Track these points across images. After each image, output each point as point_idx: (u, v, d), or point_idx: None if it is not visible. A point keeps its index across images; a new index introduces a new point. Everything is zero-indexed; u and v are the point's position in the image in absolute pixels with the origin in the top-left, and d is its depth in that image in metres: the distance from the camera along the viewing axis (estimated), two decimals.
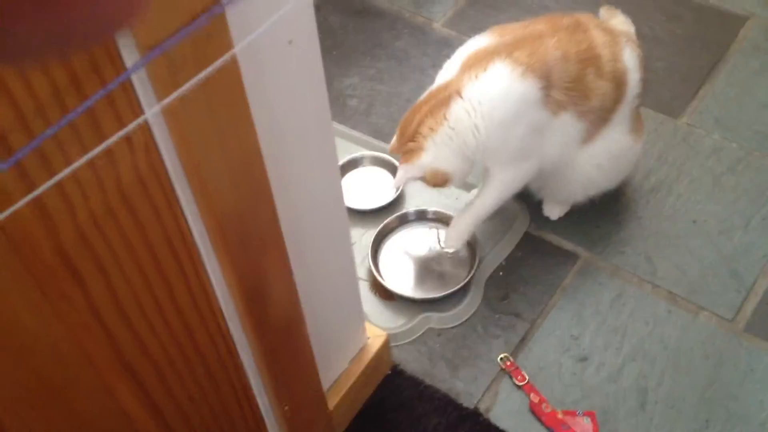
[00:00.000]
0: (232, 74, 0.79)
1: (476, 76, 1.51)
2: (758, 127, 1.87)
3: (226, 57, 0.73)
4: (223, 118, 0.82)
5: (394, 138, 1.61)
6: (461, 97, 1.51)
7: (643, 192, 1.80)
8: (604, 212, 1.77)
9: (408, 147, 1.55)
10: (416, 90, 1.63)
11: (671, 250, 1.70)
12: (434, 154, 1.54)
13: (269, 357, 1.13)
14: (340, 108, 2.02)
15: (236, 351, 1.08)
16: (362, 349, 1.50)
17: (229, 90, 0.81)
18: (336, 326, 1.40)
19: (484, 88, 1.50)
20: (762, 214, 1.73)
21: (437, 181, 1.57)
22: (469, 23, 2.15)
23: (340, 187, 1.26)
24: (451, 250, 1.71)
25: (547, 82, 1.50)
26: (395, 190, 1.69)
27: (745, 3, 2.12)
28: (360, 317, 1.47)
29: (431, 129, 1.53)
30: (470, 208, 1.66)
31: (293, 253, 1.08)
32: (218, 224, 0.89)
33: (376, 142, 1.91)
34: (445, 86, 1.55)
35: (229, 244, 0.92)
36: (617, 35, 1.59)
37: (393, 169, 1.85)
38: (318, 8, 2.30)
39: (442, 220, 1.76)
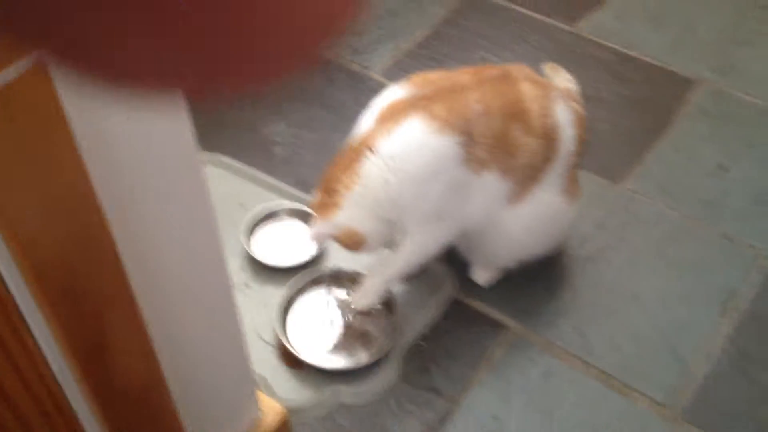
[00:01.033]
0: (39, 86, 0.64)
1: (389, 131, 1.39)
2: (702, 195, 1.77)
3: (23, 62, 0.58)
4: (29, 145, 0.67)
5: (316, 192, 1.47)
6: (372, 152, 1.39)
7: (579, 260, 1.67)
8: (538, 280, 1.64)
9: (323, 202, 1.42)
10: (348, 140, 1.51)
11: (607, 324, 1.57)
12: (349, 213, 1.41)
13: (125, 428, 0.97)
14: (265, 155, 1.88)
15: (77, 421, 0.91)
16: (254, 425, 1.33)
17: (35, 106, 0.65)
18: (218, 396, 1.24)
19: (397, 143, 1.38)
20: (704, 288, 1.61)
21: (351, 243, 1.44)
22: (408, 73, 2.03)
23: (217, 233, 1.12)
24: (358, 308, 1.57)
25: (468, 139, 1.38)
26: (315, 246, 1.54)
27: (694, 66, 2.04)
28: (249, 386, 1.31)
29: (345, 187, 1.41)
30: (383, 266, 1.53)
31: (158, 310, 0.93)
32: (36, 275, 0.74)
33: (299, 193, 1.77)
34: (360, 140, 1.43)
35: (52, 297, 0.77)
36: (549, 88, 1.48)
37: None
38: None
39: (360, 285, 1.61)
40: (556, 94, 1.48)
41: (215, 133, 1.86)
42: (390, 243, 1.58)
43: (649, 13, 2.18)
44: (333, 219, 1.42)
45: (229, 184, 1.80)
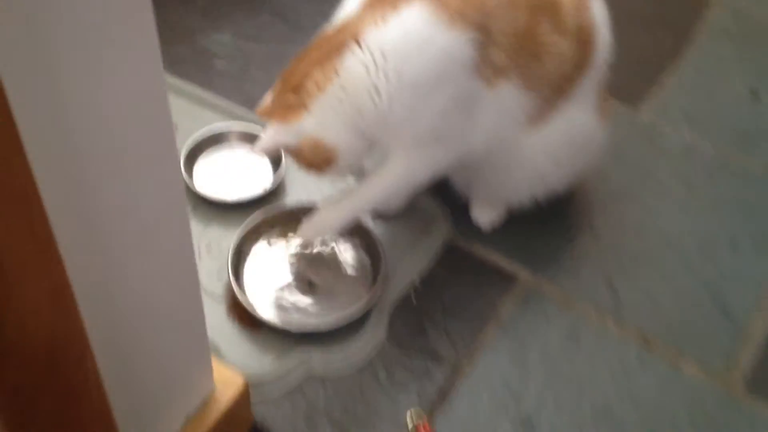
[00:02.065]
0: None
1: (383, 19, 1.05)
2: (736, 124, 1.49)
3: None
4: None
5: (269, 93, 1.12)
6: (359, 45, 1.05)
7: (600, 198, 1.37)
8: (551, 221, 1.33)
9: (286, 100, 1.07)
10: (322, 30, 1.16)
11: (639, 274, 1.27)
12: (319, 119, 1.07)
13: (15, 404, 0.62)
14: (204, 69, 1.50)
15: None
16: (206, 402, 0.98)
17: None
18: (162, 364, 0.89)
19: (393, 37, 1.04)
20: (750, 231, 1.33)
21: (316, 159, 1.10)
22: None
23: (176, 155, 0.77)
24: (302, 241, 1.24)
25: (484, 36, 1.05)
26: (259, 153, 1.19)
27: None
28: (203, 352, 0.96)
29: (317, 85, 1.07)
30: (348, 194, 1.19)
31: (81, 240, 0.59)
32: None
33: (248, 114, 1.41)
34: (341, 29, 1.08)
35: None
36: None
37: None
38: None
39: None
40: None
41: None
42: (358, 169, 1.24)
43: None
44: (297, 124, 1.08)
45: None
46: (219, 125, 1.37)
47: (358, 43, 1.05)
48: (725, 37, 1.64)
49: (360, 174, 1.28)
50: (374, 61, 1.05)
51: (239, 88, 1.47)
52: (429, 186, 1.30)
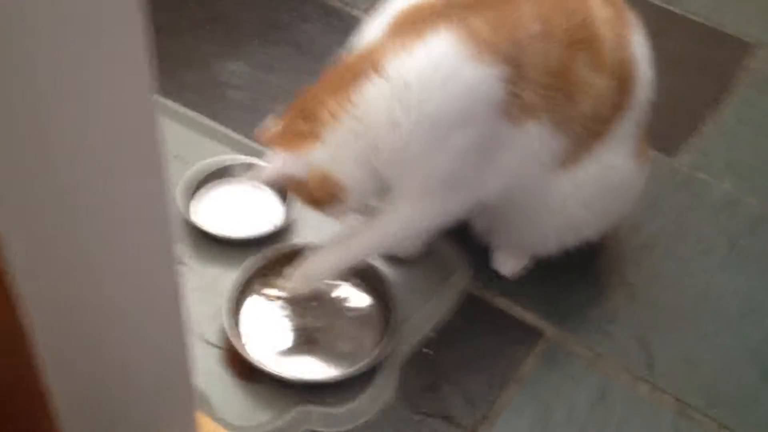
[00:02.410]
0: None
1: (407, 47, 0.96)
2: None
3: None
4: None
5: (273, 117, 1.04)
6: (380, 74, 0.96)
7: (633, 250, 1.26)
8: (579, 273, 1.22)
9: (297, 128, 0.98)
10: (341, 55, 1.08)
11: (675, 334, 1.16)
12: (332, 151, 0.99)
13: None
14: (215, 98, 1.43)
15: None
16: None
17: None
18: (134, 418, 0.78)
19: (416, 67, 0.96)
20: None
21: (322, 194, 1.01)
22: None
23: (164, 186, 0.67)
24: (289, 293, 1.13)
25: (515, 72, 0.96)
26: (260, 183, 1.11)
27: (751, 28, 1.66)
28: (188, 404, 0.85)
29: (332, 115, 0.98)
30: (345, 239, 1.10)
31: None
32: None
33: (259, 147, 1.32)
34: (361, 56, 1.00)
35: None
36: (623, 10, 1.07)
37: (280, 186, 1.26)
38: None
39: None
40: (633, 20, 1.07)
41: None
42: (363, 207, 1.14)
43: None
44: (307, 154, 0.99)
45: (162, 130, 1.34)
46: (225, 157, 1.29)
47: (378, 71, 0.97)
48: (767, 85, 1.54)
49: (365, 213, 1.19)
50: (394, 93, 0.96)
51: (250, 121, 1.38)
52: (447, 229, 1.20)
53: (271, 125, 1.04)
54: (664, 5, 1.68)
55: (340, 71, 1.01)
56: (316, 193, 1.01)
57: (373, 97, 0.97)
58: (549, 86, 0.99)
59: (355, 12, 1.62)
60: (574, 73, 1.00)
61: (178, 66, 1.47)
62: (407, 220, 1.06)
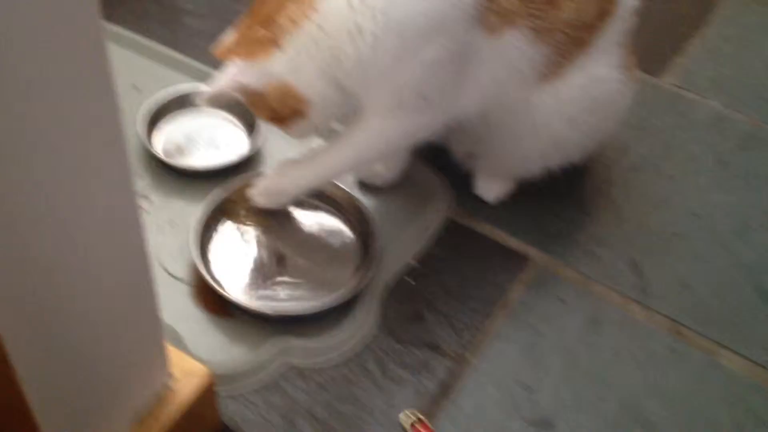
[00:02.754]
0: None
1: None
2: None
3: None
4: None
5: (232, 31, 0.96)
6: None
7: (620, 172, 1.21)
8: (565, 196, 1.16)
9: (254, 35, 0.91)
10: None
11: (667, 255, 1.11)
12: (293, 60, 0.92)
13: None
14: (172, 26, 1.34)
15: None
16: (161, 398, 0.81)
17: None
18: (102, 349, 0.72)
19: None
20: None
21: (283, 109, 0.94)
22: None
23: (119, 118, 0.61)
24: (254, 203, 1.06)
25: None
26: (209, 98, 0.97)
27: None
28: (155, 334, 0.79)
29: (292, 21, 0.90)
30: (312, 157, 1.03)
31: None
32: None
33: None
34: None
35: None
36: None
37: (244, 114, 1.18)
38: None
39: (324, 196, 1.10)
40: None
41: None
42: (327, 128, 1.07)
43: None
44: (265, 62, 0.91)
45: (118, 60, 1.25)
46: (186, 86, 1.20)
47: None
48: (751, 3, 1.49)
49: (329, 137, 1.12)
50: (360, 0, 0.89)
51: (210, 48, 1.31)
52: (426, 155, 1.14)
53: (229, 37, 0.96)
54: None
55: None
56: (277, 108, 0.94)
57: (336, 2, 0.89)
58: None
59: None
60: None
61: None
62: (378, 135, 0.99)
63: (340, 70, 0.92)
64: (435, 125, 1.00)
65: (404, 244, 1.08)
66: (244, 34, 0.93)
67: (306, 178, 1.03)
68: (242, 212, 1.08)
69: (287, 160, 1.04)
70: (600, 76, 1.03)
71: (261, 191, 1.04)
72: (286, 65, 0.91)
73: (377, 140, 1.00)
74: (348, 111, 1.00)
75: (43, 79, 0.54)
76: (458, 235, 1.11)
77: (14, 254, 0.57)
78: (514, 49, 0.95)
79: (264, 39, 0.91)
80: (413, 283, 1.05)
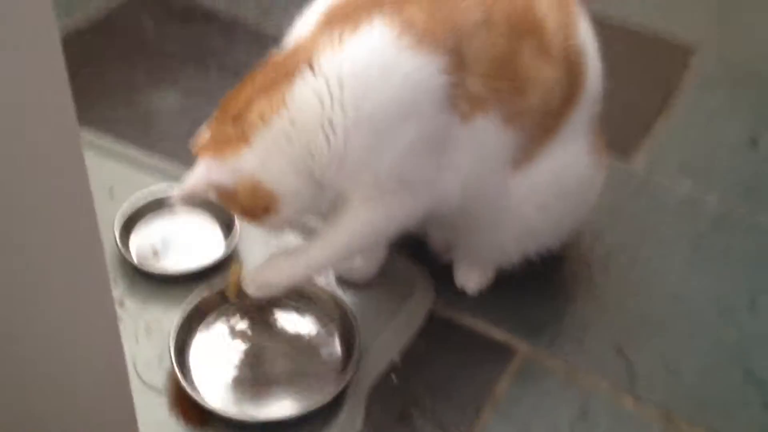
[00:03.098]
0: None
1: (340, 40, 0.90)
2: (737, 174, 1.35)
3: None
4: None
5: (206, 127, 0.96)
6: (312, 70, 0.89)
7: (598, 257, 1.21)
8: (546, 284, 1.16)
9: (223, 132, 0.91)
10: (271, 55, 1.01)
11: (651, 340, 1.10)
12: (262, 156, 0.91)
13: None
14: (145, 130, 1.34)
15: None
16: None
17: None
18: None
19: (351, 62, 0.89)
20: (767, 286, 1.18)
21: (253, 206, 0.93)
22: None
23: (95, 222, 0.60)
24: (251, 295, 1.03)
25: (457, 61, 0.90)
26: (181, 198, 0.97)
27: (692, 30, 1.65)
28: None
29: (261, 117, 0.90)
30: (301, 249, 1.02)
31: None
32: None
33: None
34: (292, 52, 0.93)
35: None
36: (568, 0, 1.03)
37: (220, 215, 1.17)
38: (125, 6, 1.67)
39: (304, 295, 1.08)
40: (577, 7, 1.03)
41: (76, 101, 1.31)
42: (301, 225, 1.07)
43: None
44: (234, 160, 0.91)
45: (90, 165, 1.24)
46: (160, 188, 1.19)
47: (311, 68, 0.90)
48: (715, 85, 1.53)
49: (304, 232, 1.11)
50: (329, 90, 0.89)
51: (185, 150, 1.30)
52: (404, 245, 1.13)
53: (203, 134, 0.96)
54: (600, 13, 1.67)
55: (269, 69, 0.93)
56: (247, 205, 0.93)
57: (306, 97, 0.89)
58: (494, 76, 0.93)
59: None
60: (520, 62, 0.95)
61: (105, 99, 1.38)
62: (364, 222, 0.98)
63: (313, 164, 0.92)
64: (420, 211, 0.99)
65: (387, 339, 1.06)
66: (215, 131, 0.93)
67: (296, 269, 1.00)
68: (220, 316, 1.06)
69: (277, 252, 1.02)
70: (569, 162, 1.04)
71: (252, 282, 1.01)
72: (256, 161, 0.90)
73: (364, 227, 0.98)
74: (322, 205, 0.99)
75: (19, 191, 0.53)
76: (441, 328, 1.10)
77: None
78: (487, 134, 0.95)
79: (233, 136, 0.91)
80: (398, 381, 1.03)
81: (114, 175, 1.24)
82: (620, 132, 1.40)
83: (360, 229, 0.99)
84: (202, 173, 0.92)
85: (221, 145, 0.91)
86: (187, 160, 1.27)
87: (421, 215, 1.00)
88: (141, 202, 1.17)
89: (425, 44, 0.89)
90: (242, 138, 0.90)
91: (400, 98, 0.90)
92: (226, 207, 0.98)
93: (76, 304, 0.61)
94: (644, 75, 1.55)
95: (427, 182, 0.96)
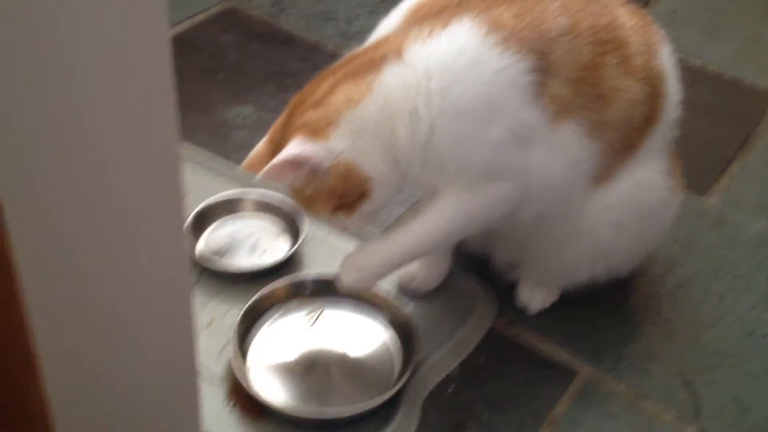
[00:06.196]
0: None
1: (429, 34, 0.91)
2: None
3: None
4: None
5: (275, 126, 0.98)
6: (400, 60, 0.90)
7: (668, 287, 1.18)
8: (612, 309, 1.13)
9: (309, 117, 0.91)
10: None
11: (721, 373, 1.06)
12: (352, 139, 0.90)
13: None
14: (222, 139, 1.37)
15: None
16: None
17: None
18: None
19: (439, 54, 0.89)
20: None
21: (348, 191, 0.92)
22: None
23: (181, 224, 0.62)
24: (344, 289, 1.00)
25: (544, 64, 0.90)
26: (261, 176, 0.91)
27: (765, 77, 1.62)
28: None
29: (349, 99, 0.90)
30: (390, 237, 0.99)
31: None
32: None
33: (266, 182, 1.26)
34: (377, 44, 0.95)
35: None
36: (650, 23, 1.03)
37: (285, 218, 1.19)
38: (206, 24, 1.73)
39: (365, 301, 1.08)
40: (660, 33, 1.03)
41: None
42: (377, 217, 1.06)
43: (705, 24, 1.79)
44: (327, 142, 0.90)
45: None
46: (231, 192, 1.22)
47: (400, 57, 0.90)
48: None
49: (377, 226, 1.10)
50: (416, 79, 0.89)
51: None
52: (468, 263, 1.13)
53: (257, 151, 0.97)
54: (681, 59, 1.66)
55: (354, 60, 0.94)
56: (341, 189, 0.91)
57: (394, 84, 0.90)
58: (580, 81, 0.93)
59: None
60: (605, 72, 0.94)
61: (185, 110, 1.41)
62: (457, 210, 0.95)
63: (398, 153, 0.91)
64: (514, 197, 0.95)
65: (447, 352, 1.05)
66: (289, 123, 0.93)
67: (393, 253, 0.98)
68: (282, 314, 1.06)
69: (367, 243, 1.01)
70: (647, 182, 1.02)
71: (347, 268, 0.98)
72: (347, 143, 0.90)
73: (458, 213, 0.96)
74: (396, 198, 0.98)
75: (122, 189, 0.55)
76: (502, 345, 1.08)
77: (77, 366, 0.57)
78: (573, 140, 0.94)
79: (318, 119, 0.90)
80: (456, 393, 1.01)
81: (189, 178, 1.27)
82: (697, 169, 1.37)
83: (454, 214, 0.96)
84: (296, 148, 0.89)
85: (308, 128, 0.90)
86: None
87: (516, 204, 0.96)
88: (212, 204, 1.20)
89: (511, 44, 0.90)
90: (329, 120, 0.90)
91: (486, 92, 0.89)
92: (312, 203, 0.94)
93: (159, 298, 0.63)
94: (723, 116, 1.53)
95: (519, 173, 0.94)
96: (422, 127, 0.89)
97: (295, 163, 0.89)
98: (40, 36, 0.45)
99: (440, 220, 0.95)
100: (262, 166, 0.91)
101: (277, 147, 0.93)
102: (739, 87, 1.60)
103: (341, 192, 0.92)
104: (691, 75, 1.60)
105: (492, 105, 0.90)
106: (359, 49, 0.96)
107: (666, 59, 1.02)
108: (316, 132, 0.90)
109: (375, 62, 0.91)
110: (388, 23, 0.98)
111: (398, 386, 0.96)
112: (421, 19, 0.93)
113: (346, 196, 0.92)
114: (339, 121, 0.90)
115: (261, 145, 0.98)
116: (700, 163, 1.39)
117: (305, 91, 0.95)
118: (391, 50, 0.91)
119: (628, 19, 0.99)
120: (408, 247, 0.97)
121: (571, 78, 0.92)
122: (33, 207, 0.50)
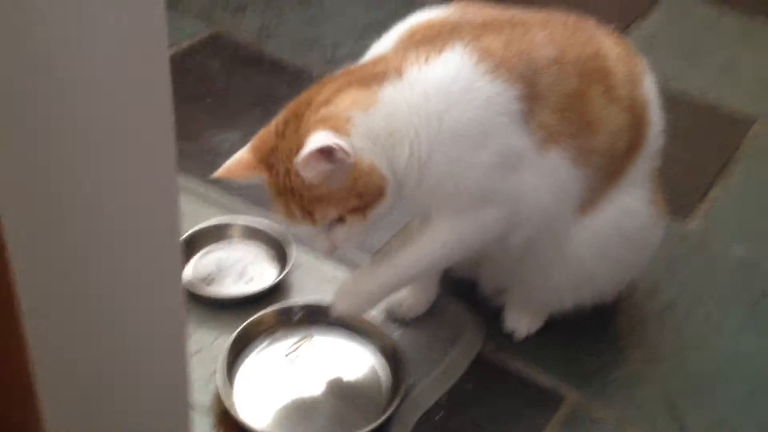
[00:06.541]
0: None
1: (426, 60, 0.92)
2: None
3: None
4: None
5: (261, 133, 0.97)
6: (402, 78, 0.92)
7: (652, 312, 1.19)
8: (598, 334, 1.14)
9: (324, 113, 0.90)
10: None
11: (707, 398, 1.07)
12: (366, 142, 0.90)
13: None
14: (207, 166, 1.36)
15: None
16: None
17: None
18: None
19: (436, 79, 0.91)
20: None
21: (368, 189, 0.91)
22: None
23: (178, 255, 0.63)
24: (338, 314, 1.02)
25: (531, 91, 0.92)
26: (300, 162, 0.87)
27: (751, 101, 1.65)
28: None
29: (358, 105, 0.91)
30: (384, 262, 1.00)
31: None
32: None
33: (252, 209, 1.26)
34: (376, 61, 0.96)
35: None
36: (634, 52, 1.05)
37: (273, 245, 1.19)
38: (193, 50, 1.74)
39: (353, 327, 1.09)
40: (643, 63, 1.05)
41: None
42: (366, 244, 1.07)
43: (684, 49, 1.82)
44: (346, 135, 0.89)
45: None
46: (219, 219, 1.22)
47: (400, 74, 0.92)
48: None
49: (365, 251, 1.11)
50: (416, 100, 0.90)
51: (245, 186, 1.33)
52: (455, 288, 1.14)
53: (239, 157, 0.97)
54: (661, 84, 1.68)
55: (354, 72, 0.95)
56: (362, 184, 0.90)
57: (396, 100, 0.91)
58: (567, 109, 0.95)
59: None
60: (590, 100, 0.96)
61: (176, 136, 1.42)
62: (449, 234, 0.97)
63: (397, 167, 0.92)
64: (504, 222, 0.96)
65: (435, 379, 1.05)
66: (307, 116, 0.91)
67: (388, 282, 0.99)
68: (270, 342, 1.07)
69: (360, 270, 1.02)
70: (631, 209, 1.04)
71: (342, 294, 1.00)
72: (365, 143, 0.90)
73: (450, 239, 0.97)
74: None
75: (122, 215, 0.55)
76: (489, 371, 1.08)
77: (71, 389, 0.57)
78: (560, 167, 0.96)
79: (334, 116, 0.90)
80: (444, 420, 1.01)
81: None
82: (678, 194, 1.39)
83: (448, 240, 0.97)
84: (327, 138, 0.86)
85: (329, 123, 0.89)
86: (247, 195, 1.31)
87: (505, 229, 0.97)
88: (200, 232, 1.20)
89: (501, 72, 0.91)
90: (345, 119, 0.90)
91: (479, 117, 0.91)
92: (312, 200, 0.91)
93: (153, 324, 0.63)
94: (703, 142, 1.55)
95: (509, 198, 0.95)
96: (423, 148, 0.90)
97: (326, 153, 0.87)
98: (42, 61, 0.46)
99: (434, 243, 0.97)
100: (244, 173, 0.93)
101: (274, 149, 0.93)
102: (719, 111, 1.63)
103: (361, 190, 0.90)
104: (670, 99, 1.63)
105: (484, 129, 0.92)
106: (356, 65, 0.97)
107: (649, 88, 1.04)
108: (337, 128, 0.89)
109: (377, 76, 0.92)
110: (382, 46, 0.99)
111: (388, 413, 0.97)
112: (416, 44, 0.94)
113: (365, 195, 0.91)
114: (354, 121, 0.90)
115: (242, 153, 0.97)
116: (681, 188, 1.41)
117: (309, 94, 0.94)
118: (391, 68, 0.92)
119: (612, 49, 1.01)
120: (403, 272, 0.99)
121: (558, 106, 0.94)
122: (32, 233, 0.50)
